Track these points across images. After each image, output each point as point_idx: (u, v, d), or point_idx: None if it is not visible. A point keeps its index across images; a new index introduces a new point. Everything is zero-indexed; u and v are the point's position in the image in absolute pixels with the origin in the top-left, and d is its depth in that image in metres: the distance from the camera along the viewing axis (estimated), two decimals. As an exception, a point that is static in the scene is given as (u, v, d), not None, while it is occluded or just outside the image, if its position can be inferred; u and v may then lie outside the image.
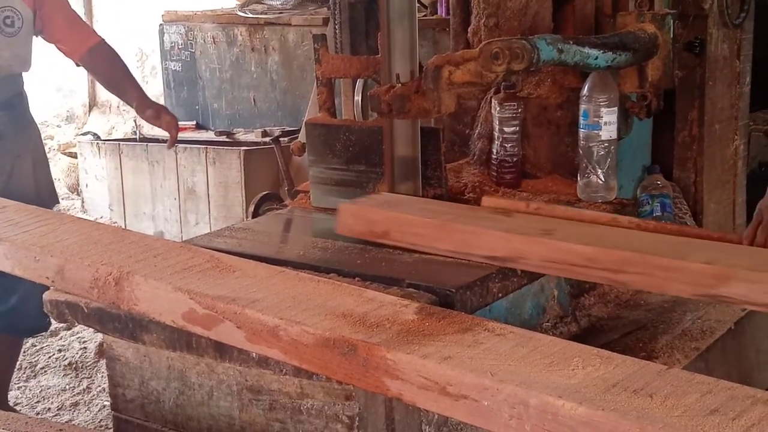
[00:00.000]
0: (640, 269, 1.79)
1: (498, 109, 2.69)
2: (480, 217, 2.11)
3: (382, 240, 2.10)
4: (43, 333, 3.92)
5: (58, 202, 3.29)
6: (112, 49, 3.18)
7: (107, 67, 3.16)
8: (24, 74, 3.12)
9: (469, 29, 2.92)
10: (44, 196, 3.08)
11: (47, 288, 2.56)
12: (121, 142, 5.87)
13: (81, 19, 3.21)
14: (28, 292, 3.05)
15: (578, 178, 2.58)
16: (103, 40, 3.17)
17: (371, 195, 2.33)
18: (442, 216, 2.09)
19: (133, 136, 6.07)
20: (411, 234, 2.06)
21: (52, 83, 7.58)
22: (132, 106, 3.17)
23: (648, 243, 1.91)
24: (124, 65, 3.21)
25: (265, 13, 6.22)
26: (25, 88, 3.14)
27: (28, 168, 3.09)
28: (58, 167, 7.04)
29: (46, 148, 7.35)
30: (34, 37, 3.05)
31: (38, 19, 3.01)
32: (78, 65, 3.20)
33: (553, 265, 1.90)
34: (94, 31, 3.21)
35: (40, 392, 3.72)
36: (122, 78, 3.17)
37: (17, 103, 3.06)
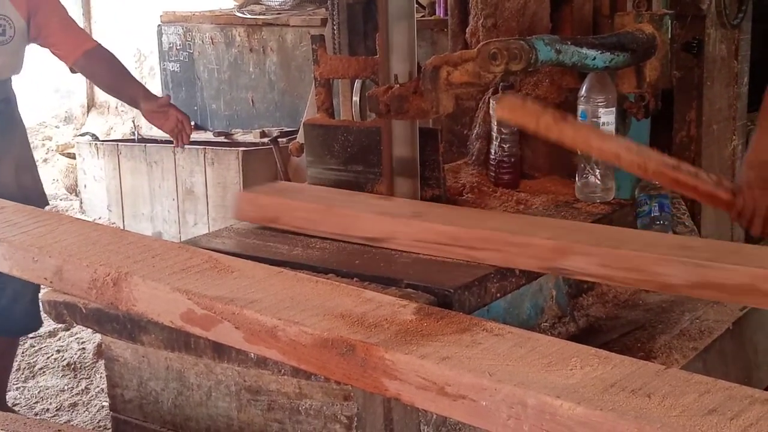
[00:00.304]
0: (493, 246, 1.95)
1: (496, 109, 2.69)
2: (361, 202, 2.27)
3: (273, 224, 2.26)
4: (34, 333, 3.93)
5: (48, 204, 3.26)
6: (110, 52, 3.14)
7: (105, 71, 3.12)
8: (17, 76, 3.10)
9: (467, 30, 2.92)
10: (32, 197, 3.03)
11: (37, 288, 2.56)
12: (120, 143, 5.87)
13: (77, 24, 3.18)
14: (18, 293, 3.05)
15: (576, 179, 2.59)
16: (100, 44, 3.14)
17: (268, 183, 2.43)
18: (327, 202, 2.25)
19: (132, 137, 6.07)
20: (297, 218, 2.22)
21: (50, 84, 7.58)
22: (139, 107, 3.10)
23: (503, 222, 2.11)
24: (123, 67, 3.17)
25: (263, 14, 6.23)
26: (15, 89, 3.12)
27: (9, 170, 3.06)
28: (57, 168, 7.04)
29: (45, 149, 7.42)
30: (27, 44, 3.03)
31: (33, 27, 2.99)
32: (73, 71, 3.17)
33: (421, 244, 2.04)
34: (90, 36, 3.18)
35: (38, 393, 3.72)
36: (122, 80, 3.12)
37: (3, 108, 3.04)
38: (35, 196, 3.09)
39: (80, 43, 3.08)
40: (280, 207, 2.25)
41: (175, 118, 3.00)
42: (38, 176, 3.27)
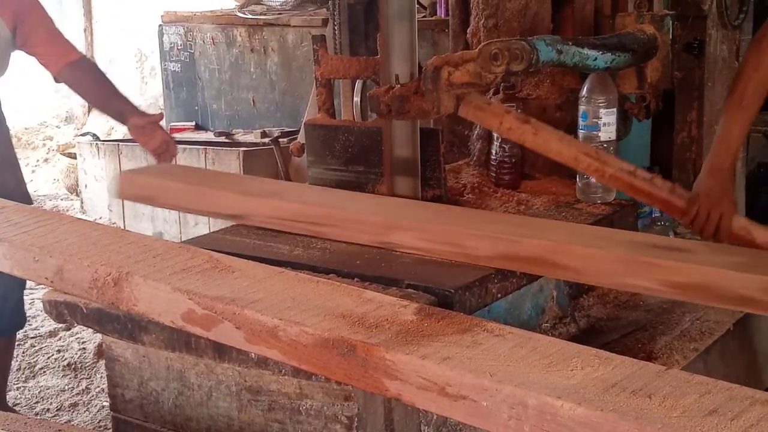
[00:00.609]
0: (333, 222, 2.11)
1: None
2: (227, 182, 2.47)
3: (150, 203, 2.49)
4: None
5: (31, 203, 3.26)
6: (95, 65, 3.12)
7: (89, 83, 3.06)
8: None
9: (468, 30, 2.92)
10: (15, 198, 3.02)
11: (23, 285, 2.54)
12: (121, 143, 5.87)
13: (62, 35, 3.15)
14: (8, 292, 3.07)
15: (577, 180, 2.58)
16: (84, 56, 3.12)
17: (151, 165, 2.71)
18: (197, 182, 2.41)
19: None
20: (171, 198, 2.38)
21: (51, 84, 7.59)
22: (125, 122, 3.00)
23: (343, 200, 2.28)
24: (109, 81, 3.08)
25: (264, 14, 6.23)
26: (1, 91, 3.11)
27: None
28: (58, 168, 7.04)
29: (46, 149, 7.42)
30: (12, 51, 3.03)
31: (19, 36, 2.98)
32: (57, 81, 3.15)
33: (274, 221, 2.21)
34: (75, 47, 3.15)
35: (39, 393, 3.72)
36: (108, 93, 3.01)
37: None
38: (18, 196, 3.07)
39: (65, 53, 3.06)
40: (156, 187, 2.39)
41: (161, 137, 2.92)
42: (21, 176, 3.26)
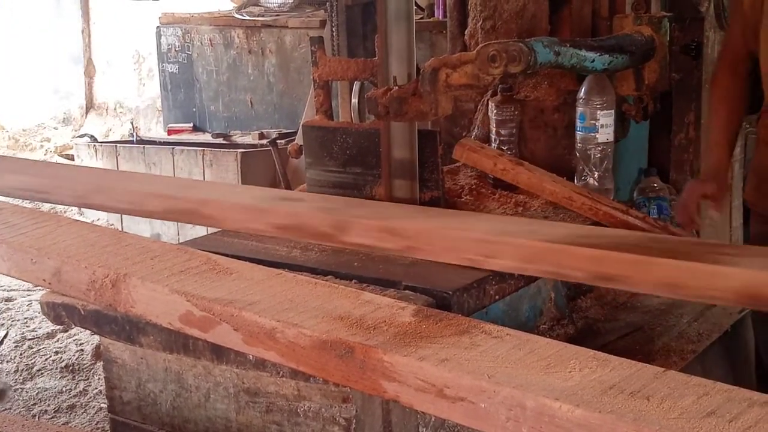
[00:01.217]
0: (52, 190, 2.45)
1: (495, 111, 2.69)
2: (28, 167, 2.82)
3: None
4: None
5: None
6: None
7: None
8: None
9: (466, 32, 2.92)
10: None
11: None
12: (118, 144, 5.87)
13: None
14: None
15: (575, 181, 2.59)
16: None
17: None
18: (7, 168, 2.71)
19: (130, 138, 6.07)
20: None
21: (49, 85, 7.58)
22: None
23: (67, 172, 2.71)
24: None
25: (262, 16, 6.24)
26: None
27: None
28: (55, 169, 7.03)
29: (43, 150, 7.42)
30: None
31: None
32: None
33: (12, 191, 2.53)
34: None
35: (36, 394, 3.72)
36: None
37: None
38: None
39: None
40: None
41: None
42: None
